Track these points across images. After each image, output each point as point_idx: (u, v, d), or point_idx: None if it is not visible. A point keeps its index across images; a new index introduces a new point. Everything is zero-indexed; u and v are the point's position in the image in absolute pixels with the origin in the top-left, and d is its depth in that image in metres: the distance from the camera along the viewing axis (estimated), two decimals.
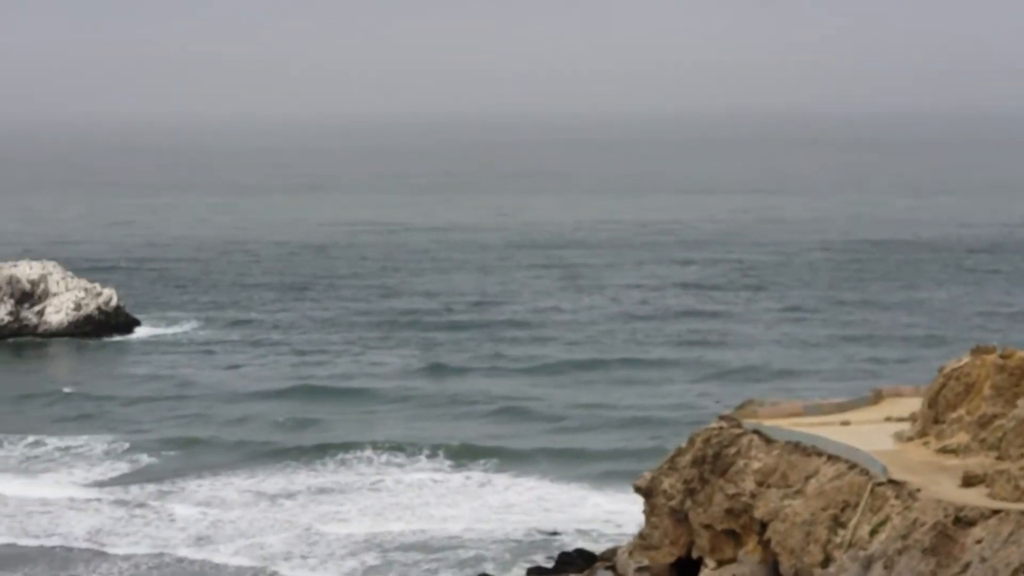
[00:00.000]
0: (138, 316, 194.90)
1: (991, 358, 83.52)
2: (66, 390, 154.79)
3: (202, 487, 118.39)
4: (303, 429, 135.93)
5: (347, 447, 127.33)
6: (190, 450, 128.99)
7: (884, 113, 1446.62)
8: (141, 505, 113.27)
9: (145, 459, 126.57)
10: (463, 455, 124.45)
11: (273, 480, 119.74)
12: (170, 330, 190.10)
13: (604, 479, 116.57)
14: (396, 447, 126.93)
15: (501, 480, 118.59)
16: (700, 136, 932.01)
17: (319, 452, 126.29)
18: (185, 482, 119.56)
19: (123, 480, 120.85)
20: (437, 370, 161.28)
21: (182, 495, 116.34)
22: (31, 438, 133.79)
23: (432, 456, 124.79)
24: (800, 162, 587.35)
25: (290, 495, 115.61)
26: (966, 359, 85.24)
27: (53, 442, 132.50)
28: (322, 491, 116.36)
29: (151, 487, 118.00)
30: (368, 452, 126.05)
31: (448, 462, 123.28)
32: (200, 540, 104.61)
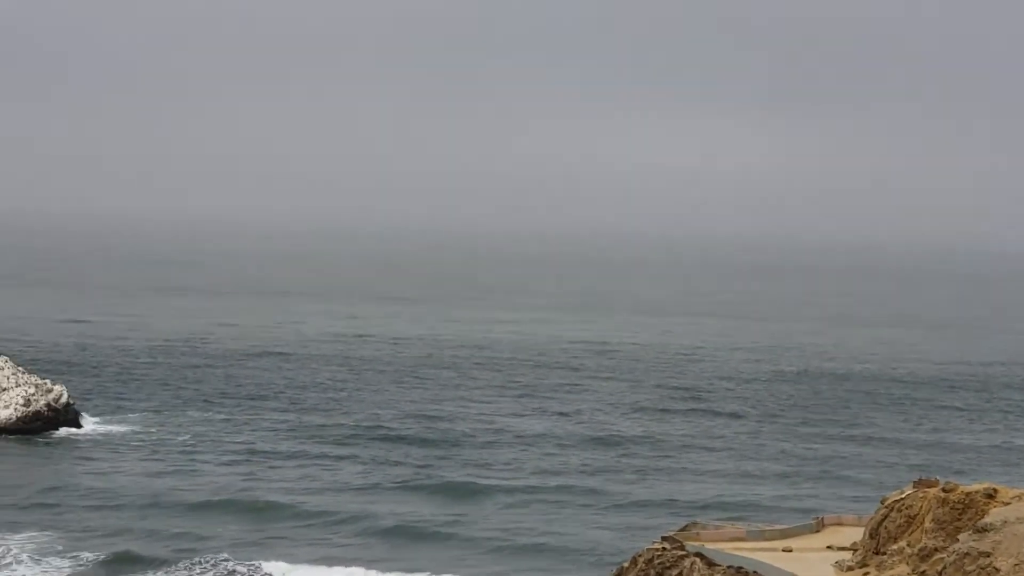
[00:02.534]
0: (88, 414, 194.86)
1: (933, 491, 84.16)
2: (7, 488, 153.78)
3: None
4: (247, 546, 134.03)
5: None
6: (123, 561, 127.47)
7: (857, 242, 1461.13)
8: None
9: (70, 568, 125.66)
10: None
11: None
12: (118, 428, 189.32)
13: None
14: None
15: None
16: (662, 258, 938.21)
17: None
18: None
19: None
20: (373, 488, 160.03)
21: None
22: None
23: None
24: (762, 288, 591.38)
25: None
26: (908, 491, 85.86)
27: None
28: None
29: None
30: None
31: None
32: None
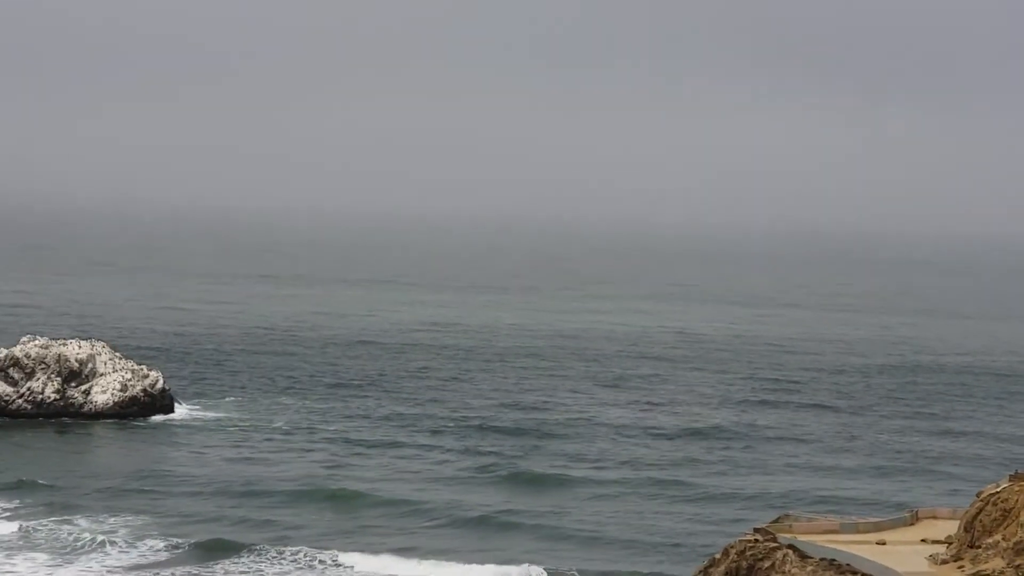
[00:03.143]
0: (182, 399, 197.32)
1: None
2: (104, 472, 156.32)
3: None
4: (334, 536, 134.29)
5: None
6: (214, 548, 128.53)
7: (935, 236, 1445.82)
8: None
9: (165, 551, 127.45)
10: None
11: None
12: (212, 415, 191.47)
13: None
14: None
15: None
16: (754, 249, 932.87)
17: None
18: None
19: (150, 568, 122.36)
20: (463, 478, 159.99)
21: None
22: (64, 519, 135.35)
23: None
24: (855, 280, 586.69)
25: None
26: (1004, 484, 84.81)
27: (84, 524, 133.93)
28: None
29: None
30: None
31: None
32: None
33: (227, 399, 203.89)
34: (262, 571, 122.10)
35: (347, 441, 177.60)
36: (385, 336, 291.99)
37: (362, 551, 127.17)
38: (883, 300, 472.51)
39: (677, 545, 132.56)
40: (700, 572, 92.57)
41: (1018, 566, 78.55)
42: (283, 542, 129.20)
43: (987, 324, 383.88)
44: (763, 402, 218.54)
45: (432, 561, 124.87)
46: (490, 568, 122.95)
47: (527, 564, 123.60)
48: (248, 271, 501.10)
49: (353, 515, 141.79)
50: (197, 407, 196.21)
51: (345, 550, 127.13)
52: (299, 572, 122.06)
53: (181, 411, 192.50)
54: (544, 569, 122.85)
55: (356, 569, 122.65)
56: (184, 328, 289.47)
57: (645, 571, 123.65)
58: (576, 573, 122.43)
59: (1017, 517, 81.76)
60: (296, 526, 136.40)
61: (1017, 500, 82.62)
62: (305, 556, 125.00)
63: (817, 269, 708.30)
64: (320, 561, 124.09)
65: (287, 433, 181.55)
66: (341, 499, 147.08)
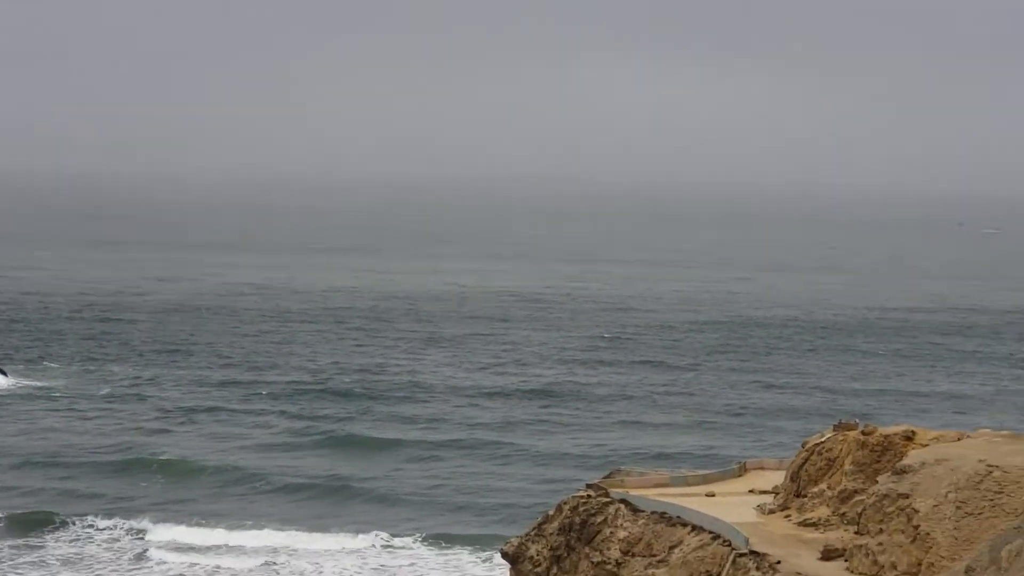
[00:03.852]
0: (5, 368, 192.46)
1: (853, 434, 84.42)
2: None
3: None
4: (157, 507, 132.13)
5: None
6: (34, 522, 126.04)
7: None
8: None
9: None
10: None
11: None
12: (36, 383, 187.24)
13: (476, 551, 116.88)
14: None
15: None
16: (592, 206, 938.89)
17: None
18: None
19: None
20: (294, 444, 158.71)
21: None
22: None
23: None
24: (691, 236, 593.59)
25: None
26: (828, 434, 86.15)
27: None
28: None
29: None
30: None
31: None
32: None
33: (52, 367, 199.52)
34: (91, 538, 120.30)
35: (176, 408, 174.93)
36: (216, 300, 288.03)
37: (189, 522, 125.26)
38: (715, 255, 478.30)
39: (511, 505, 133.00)
40: (534, 529, 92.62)
41: (843, 514, 79.88)
42: (107, 514, 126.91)
43: (815, 276, 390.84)
44: (594, 360, 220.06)
45: (268, 530, 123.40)
46: (336, 536, 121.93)
47: (374, 532, 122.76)
48: (73, 236, 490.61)
49: (182, 484, 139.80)
50: (21, 377, 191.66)
51: (171, 521, 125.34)
52: (128, 541, 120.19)
53: (4, 381, 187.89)
54: (388, 534, 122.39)
55: (183, 540, 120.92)
56: (7, 295, 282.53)
57: (478, 532, 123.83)
58: (418, 535, 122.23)
59: (841, 466, 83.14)
60: (124, 496, 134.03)
61: (841, 450, 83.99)
62: (126, 527, 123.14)
63: (648, 225, 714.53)
64: (145, 531, 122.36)
65: (114, 401, 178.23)
66: (169, 467, 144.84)
